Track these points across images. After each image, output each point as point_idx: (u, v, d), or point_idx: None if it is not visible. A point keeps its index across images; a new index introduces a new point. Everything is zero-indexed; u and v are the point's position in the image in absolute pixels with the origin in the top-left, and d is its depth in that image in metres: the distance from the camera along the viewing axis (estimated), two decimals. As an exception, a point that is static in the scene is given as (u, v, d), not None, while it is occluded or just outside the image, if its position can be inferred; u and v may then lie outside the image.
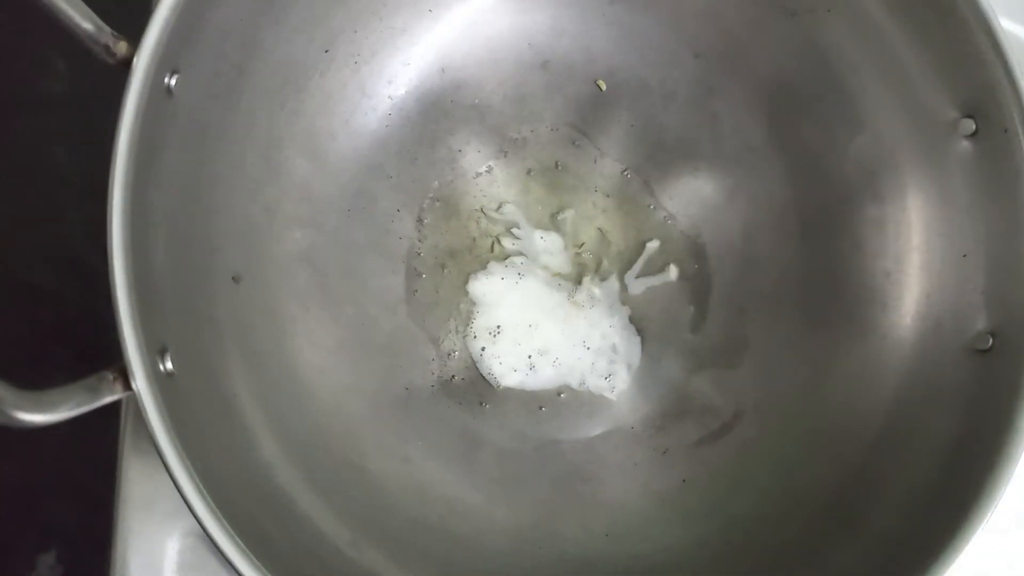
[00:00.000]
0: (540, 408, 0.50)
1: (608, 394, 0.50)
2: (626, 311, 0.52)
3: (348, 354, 0.48)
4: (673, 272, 0.52)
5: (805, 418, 0.48)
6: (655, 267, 0.53)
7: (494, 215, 0.52)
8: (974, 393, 0.43)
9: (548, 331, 0.51)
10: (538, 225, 0.53)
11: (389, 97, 0.51)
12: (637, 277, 0.52)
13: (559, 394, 0.50)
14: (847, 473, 0.45)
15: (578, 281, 0.52)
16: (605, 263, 0.53)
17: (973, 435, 0.41)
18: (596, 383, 0.50)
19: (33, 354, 0.78)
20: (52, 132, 0.80)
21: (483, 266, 0.52)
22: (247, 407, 0.41)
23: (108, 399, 0.33)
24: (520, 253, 0.52)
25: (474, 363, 0.50)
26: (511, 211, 0.52)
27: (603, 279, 0.52)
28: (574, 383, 0.50)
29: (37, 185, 0.80)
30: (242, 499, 0.37)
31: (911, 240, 0.48)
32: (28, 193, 0.80)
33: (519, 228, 0.52)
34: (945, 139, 0.45)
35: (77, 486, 0.75)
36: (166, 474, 0.34)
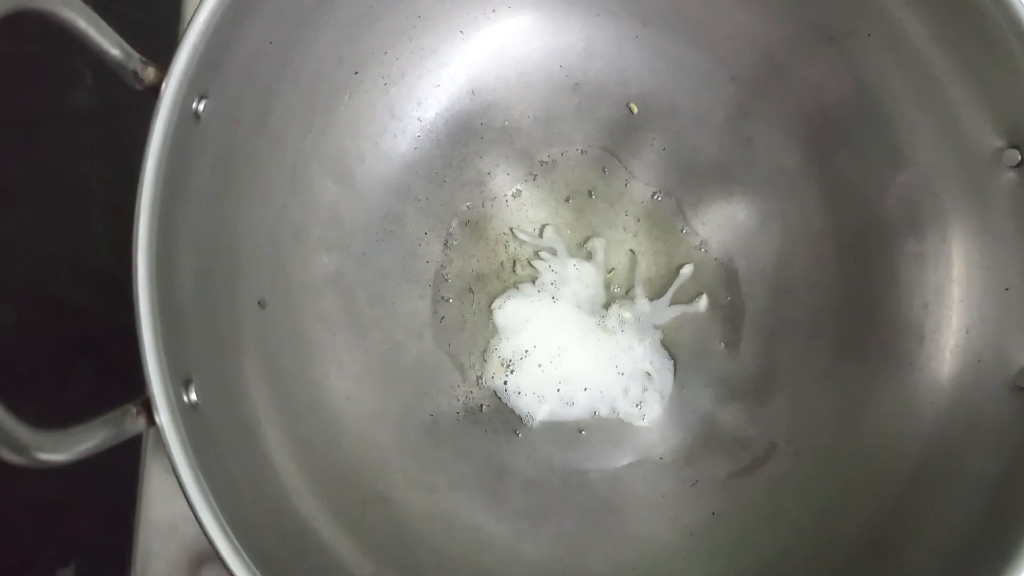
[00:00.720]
0: (580, 431, 0.49)
1: (639, 421, 0.49)
2: (658, 336, 0.51)
3: (374, 380, 0.47)
4: (703, 303, 0.51)
5: (839, 453, 0.47)
6: (686, 295, 0.52)
7: (525, 237, 0.51)
8: (1016, 432, 0.41)
9: (578, 356, 0.50)
10: (568, 251, 0.52)
11: (418, 119, 0.50)
12: (669, 305, 0.51)
13: (594, 413, 0.50)
14: (882, 511, 0.44)
15: (608, 306, 0.51)
16: (637, 289, 0.52)
17: (1014, 475, 0.40)
18: (628, 410, 0.49)
19: (58, 367, 0.78)
20: (79, 145, 0.80)
21: (513, 287, 0.51)
22: (271, 436, 0.41)
23: (131, 433, 0.32)
24: (548, 275, 0.51)
25: (498, 396, 0.49)
26: (549, 236, 0.52)
27: (634, 303, 0.51)
28: (605, 410, 0.50)
29: (64, 198, 0.80)
30: (264, 532, 0.37)
31: (951, 272, 0.46)
32: (55, 206, 0.80)
33: (552, 254, 0.51)
34: (988, 169, 0.44)
35: (99, 501, 0.75)
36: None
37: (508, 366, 0.49)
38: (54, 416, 0.32)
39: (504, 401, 0.49)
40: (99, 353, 0.78)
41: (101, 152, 0.80)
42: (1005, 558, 0.37)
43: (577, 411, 0.50)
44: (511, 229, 0.52)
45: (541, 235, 0.52)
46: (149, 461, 0.47)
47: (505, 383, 0.49)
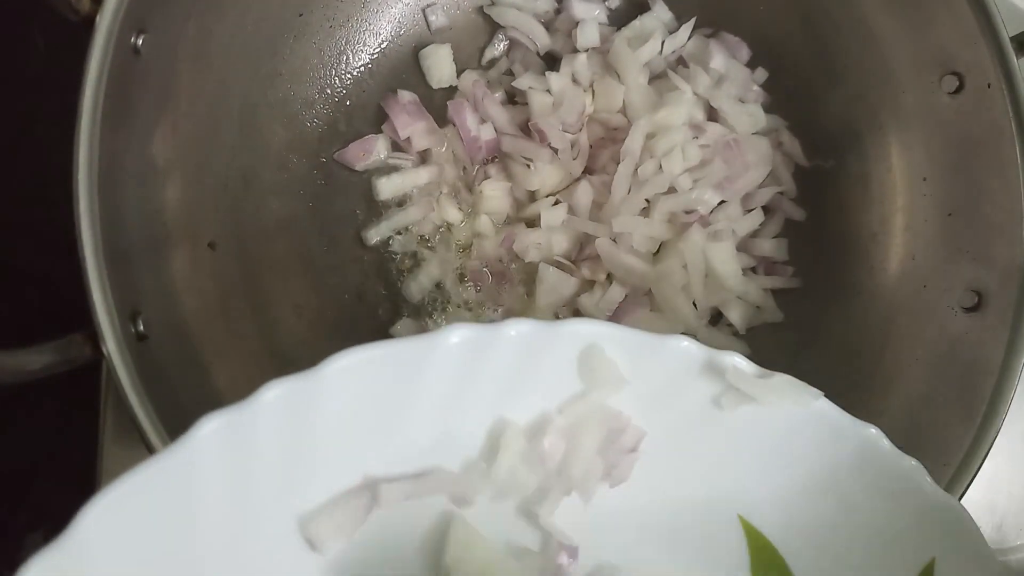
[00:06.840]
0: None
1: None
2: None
3: (331, 325, 0.47)
4: None
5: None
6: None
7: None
8: (962, 351, 0.42)
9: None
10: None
11: (366, 62, 0.50)
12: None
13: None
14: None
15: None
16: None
17: (962, 393, 0.41)
18: None
19: (20, 336, 0.78)
20: (34, 112, 0.79)
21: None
22: (225, 375, 0.41)
23: (78, 362, 0.32)
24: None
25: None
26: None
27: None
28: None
29: (21, 164, 0.79)
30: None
31: (896, 201, 0.47)
32: (11, 174, 0.79)
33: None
34: (928, 96, 0.44)
35: (68, 469, 0.75)
36: (146, 450, 0.33)
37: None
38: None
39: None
40: (64, 321, 0.78)
41: (57, 118, 0.79)
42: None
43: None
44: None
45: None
46: (108, 419, 0.47)
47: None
